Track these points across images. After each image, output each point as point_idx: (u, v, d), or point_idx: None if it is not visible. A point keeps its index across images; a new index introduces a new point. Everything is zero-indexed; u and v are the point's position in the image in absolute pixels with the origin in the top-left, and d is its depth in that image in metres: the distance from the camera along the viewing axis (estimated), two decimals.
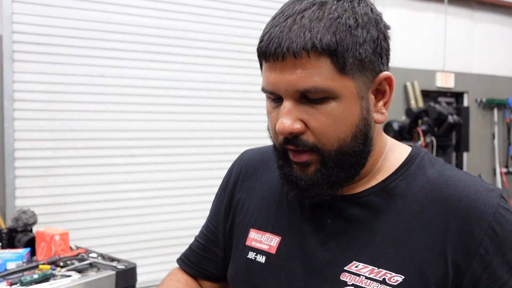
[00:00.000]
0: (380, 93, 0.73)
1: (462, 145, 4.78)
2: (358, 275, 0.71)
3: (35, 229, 2.07)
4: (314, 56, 0.65)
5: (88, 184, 3.49)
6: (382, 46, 0.71)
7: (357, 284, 0.70)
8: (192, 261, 0.97)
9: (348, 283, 0.71)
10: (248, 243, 0.85)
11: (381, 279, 0.69)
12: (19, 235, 2.02)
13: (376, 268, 0.70)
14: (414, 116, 4.62)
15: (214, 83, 3.92)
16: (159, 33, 3.71)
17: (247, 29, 4.01)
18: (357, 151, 0.71)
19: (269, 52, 0.67)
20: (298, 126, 0.68)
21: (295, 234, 0.80)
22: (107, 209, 3.56)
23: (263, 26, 0.72)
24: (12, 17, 3.19)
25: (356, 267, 0.72)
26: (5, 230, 2.02)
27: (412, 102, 5.01)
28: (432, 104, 4.76)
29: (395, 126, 4.66)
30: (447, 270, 0.67)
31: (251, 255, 0.83)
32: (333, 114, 0.68)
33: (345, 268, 0.72)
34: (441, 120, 4.50)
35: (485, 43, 5.72)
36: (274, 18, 0.70)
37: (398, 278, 0.68)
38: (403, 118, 4.85)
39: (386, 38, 0.72)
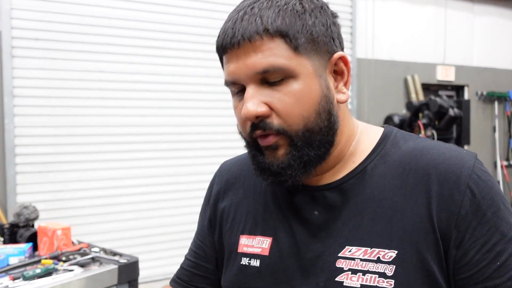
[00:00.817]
0: (339, 74, 0.76)
1: (463, 138, 4.78)
2: (353, 259, 0.72)
3: (36, 224, 2.07)
4: (267, 38, 0.69)
5: (89, 179, 3.49)
6: (333, 30, 0.74)
7: (353, 268, 0.72)
8: (184, 280, 0.97)
9: (344, 269, 0.72)
10: (240, 250, 0.85)
11: (375, 258, 0.70)
12: (21, 230, 2.02)
13: (369, 249, 0.71)
14: (414, 110, 4.62)
15: (215, 78, 3.91)
16: (159, 28, 3.70)
17: None
18: (323, 127, 0.73)
19: (225, 43, 0.72)
20: (262, 109, 0.70)
21: (285, 231, 0.80)
22: (109, 204, 3.56)
23: None
24: (11, 12, 3.18)
25: (350, 251, 0.73)
26: (7, 226, 2.03)
27: (413, 95, 5.00)
28: (432, 97, 4.76)
29: (396, 119, 4.66)
30: (436, 236, 0.69)
31: (244, 261, 0.83)
32: (295, 93, 0.70)
33: (339, 255, 0.73)
34: (441, 114, 4.50)
35: (486, 36, 5.70)
36: (228, 15, 0.75)
37: (391, 254, 0.70)
38: (404, 111, 4.85)
39: (335, 24, 0.75)
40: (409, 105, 4.72)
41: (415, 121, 4.57)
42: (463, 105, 4.79)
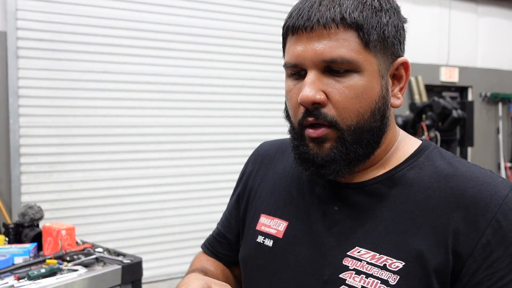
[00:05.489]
0: (397, 78, 0.77)
1: (466, 140, 4.76)
2: (360, 260, 0.73)
3: (41, 224, 2.08)
4: (342, 28, 0.69)
5: (93, 180, 3.50)
6: (401, 34, 0.76)
7: (359, 269, 0.72)
8: (211, 245, 1.04)
9: (349, 267, 0.73)
10: (258, 227, 0.89)
11: (381, 265, 0.71)
12: (26, 230, 2.03)
13: (378, 254, 0.72)
14: (418, 111, 4.61)
15: (218, 78, 3.92)
16: (163, 28, 3.71)
17: (252, 24, 4.00)
18: (374, 127, 0.73)
19: (299, 24, 0.71)
20: (321, 96, 0.71)
21: (302, 219, 0.82)
22: (112, 204, 3.58)
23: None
24: (16, 13, 3.20)
25: (359, 252, 0.73)
26: (12, 225, 2.04)
27: (416, 96, 4.99)
28: (436, 98, 4.74)
29: (399, 121, 4.65)
30: (448, 258, 0.68)
31: (260, 239, 0.87)
32: (355, 88, 0.71)
33: (347, 253, 0.74)
34: (445, 115, 4.49)
35: (490, 37, 5.69)
36: None
37: (398, 264, 0.70)
38: (407, 113, 4.84)
39: (403, 28, 0.77)
40: (412, 106, 4.70)
41: (419, 123, 4.55)
42: (467, 107, 4.77)
